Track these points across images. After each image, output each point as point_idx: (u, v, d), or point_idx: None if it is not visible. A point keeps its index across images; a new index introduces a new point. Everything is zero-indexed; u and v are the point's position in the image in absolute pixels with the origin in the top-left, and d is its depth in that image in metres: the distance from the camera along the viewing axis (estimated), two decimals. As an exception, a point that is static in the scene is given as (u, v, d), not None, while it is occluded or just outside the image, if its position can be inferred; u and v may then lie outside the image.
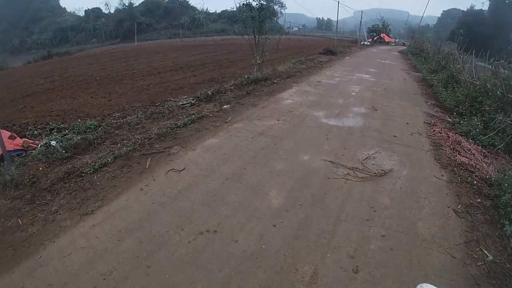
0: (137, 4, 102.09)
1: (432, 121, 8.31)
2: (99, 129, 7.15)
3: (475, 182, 5.11)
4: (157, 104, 9.59)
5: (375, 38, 66.55)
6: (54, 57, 51.77)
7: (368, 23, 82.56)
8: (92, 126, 7.31)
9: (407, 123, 8.05)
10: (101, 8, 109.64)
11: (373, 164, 5.51)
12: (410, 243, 3.67)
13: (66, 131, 7.31)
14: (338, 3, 35.11)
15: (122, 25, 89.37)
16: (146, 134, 6.67)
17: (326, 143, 6.43)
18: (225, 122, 7.60)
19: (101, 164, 5.30)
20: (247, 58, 18.79)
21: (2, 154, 5.21)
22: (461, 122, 8.20)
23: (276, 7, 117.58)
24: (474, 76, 10.71)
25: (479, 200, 4.69)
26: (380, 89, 12.31)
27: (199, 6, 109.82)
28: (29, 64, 45.21)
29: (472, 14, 61.29)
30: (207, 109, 8.60)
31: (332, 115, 8.37)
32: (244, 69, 15.89)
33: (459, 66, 12.76)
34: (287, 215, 4.05)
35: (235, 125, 7.35)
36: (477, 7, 64.53)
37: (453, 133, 7.40)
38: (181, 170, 5.14)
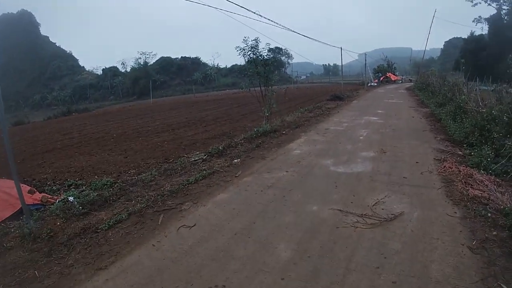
0: (152, 62, 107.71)
1: (442, 157, 8.27)
2: (115, 186, 7.41)
3: (489, 214, 5.00)
4: (171, 160, 9.82)
5: (381, 79, 67.46)
6: (74, 114, 54.15)
7: (373, 64, 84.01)
8: (108, 183, 7.58)
9: (417, 162, 8.04)
10: (117, 67, 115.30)
11: (382, 209, 5.49)
12: (423, 287, 3.60)
13: (84, 187, 7.63)
14: (341, 49, 36.11)
15: (138, 83, 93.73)
16: (159, 190, 6.88)
17: (334, 192, 6.45)
18: (235, 176, 7.74)
19: (115, 221, 5.50)
20: (258, 110, 18.93)
21: (21, 207, 5.50)
22: (472, 153, 8.14)
23: (283, 58, 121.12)
24: (481, 104, 10.76)
25: (495, 232, 4.57)
26: (388, 130, 12.44)
27: (210, 62, 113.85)
28: (49, 120, 47.92)
29: (473, 41, 61.61)
30: (218, 164, 8.79)
31: (341, 162, 8.43)
32: (255, 121, 16.25)
33: (464, 96, 12.83)
34: (295, 267, 4.03)
35: (245, 179, 7.48)
36: (477, 33, 64.69)
37: (464, 166, 7.32)
38: (192, 226, 5.22)
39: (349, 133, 12.29)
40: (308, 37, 29.81)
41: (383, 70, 76.83)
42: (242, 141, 11.38)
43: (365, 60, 56.32)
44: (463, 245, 4.33)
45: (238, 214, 5.62)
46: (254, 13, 16.35)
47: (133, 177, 8.13)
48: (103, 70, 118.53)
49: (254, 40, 13.38)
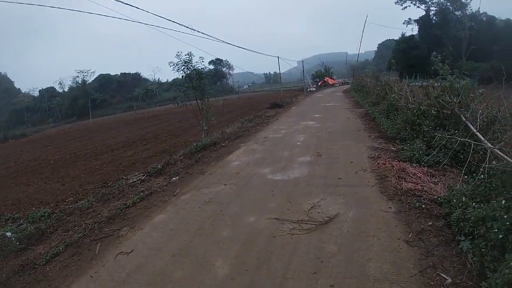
0: (90, 80, 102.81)
1: (376, 154, 8.54)
2: (52, 216, 7.08)
3: (423, 206, 5.16)
4: (109, 184, 9.48)
5: (319, 83, 69.20)
6: (10, 140, 52.87)
7: (311, 70, 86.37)
8: (46, 214, 7.23)
9: (351, 162, 8.22)
10: (55, 87, 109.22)
11: (318, 213, 5.49)
12: (361, 287, 3.58)
13: (21, 221, 7.19)
14: (278, 57, 36.80)
15: (77, 103, 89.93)
16: (96, 218, 6.58)
17: (271, 200, 6.38)
18: (173, 195, 7.49)
19: (53, 254, 5.25)
20: (198, 124, 18.85)
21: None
22: (404, 148, 8.44)
23: (224, 69, 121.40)
24: (410, 100, 11.17)
25: (430, 223, 4.72)
26: (324, 134, 12.68)
27: (151, 77, 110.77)
28: None
29: (404, 41, 64.54)
30: (157, 183, 8.51)
31: (278, 170, 8.39)
32: (196, 135, 16.02)
33: (394, 95, 13.32)
34: (232, 283, 3.93)
35: (183, 197, 7.24)
36: (407, 34, 68.34)
37: (397, 161, 7.58)
38: (130, 252, 4.98)
39: (286, 140, 12.35)
40: (244, 48, 30.57)
41: (321, 75, 79.21)
42: (182, 157, 11.09)
43: (303, 66, 57.81)
44: (399, 239, 4.43)
45: (175, 234, 5.41)
46: (187, 27, 16.38)
47: (71, 206, 7.74)
48: (39, 91, 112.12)
49: (187, 54, 13.14)
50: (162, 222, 6.02)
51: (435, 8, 64.80)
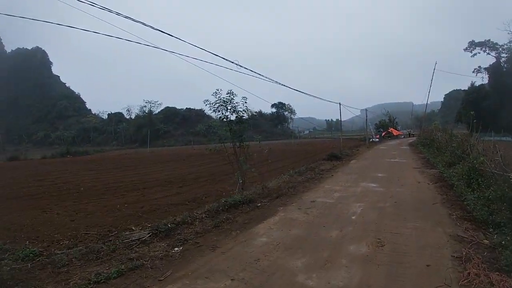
0: (156, 111, 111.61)
1: (464, 252, 5.74)
2: (37, 260, 6.26)
3: None
4: (114, 232, 8.15)
5: (383, 134, 66.24)
6: (68, 156, 57.54)
7: (374, 119, 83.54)
8: (31, 255, 6.43)
9: (428, 266, 5.38)
10: (123, 113, 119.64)
11: None
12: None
13: (6, 255, 6.48)
14: (340, 104, 34.76)
15: (141, 130, 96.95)
16: (60, 285, 5.25)
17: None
18: (159, 280, 5.35)
19: None
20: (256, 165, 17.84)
21: None
22: (503, 242, 5.73)
23: (286, 113, 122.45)
24: (503, 165, 8.51)
25: None
26: (388, 204, 9.76)
27: (214, 115, 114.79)
28: (44, 159, 51.08)
29: (474, 91, 61.63)
30: (154, 251, 6.66)
31: (316, 266, 5.63)
32: (234, 185, 13.98)
33: (482, 158, 10.47)
34: None
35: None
36: (477, 83, 65.01)
37: (498, 274, 4.83)
38: None
39: (339, 209, 9.57)
40: (305, 93, 28.50)
41: (385, 125, 75.91)
42: (203, 215, 8.97)
43: (366, 115, 54.70)
44: None
45: None
46: (247, 69, 14.94)
47: (58, 252, 6.69)
48: (108, 115, 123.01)
49: (229, 93, 11.26)
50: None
51: (506, 55, 61.11)
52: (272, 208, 9.93)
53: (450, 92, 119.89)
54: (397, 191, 11.58)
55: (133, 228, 8.29)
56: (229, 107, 11.30)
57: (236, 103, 11.25)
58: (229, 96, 11.20)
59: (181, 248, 6.80)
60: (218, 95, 11.10)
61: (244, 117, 11.60)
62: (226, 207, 9.77)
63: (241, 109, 11.42)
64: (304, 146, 54.44)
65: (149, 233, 7.53)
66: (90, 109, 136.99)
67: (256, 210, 9.83)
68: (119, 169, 27.24)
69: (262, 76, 17.02)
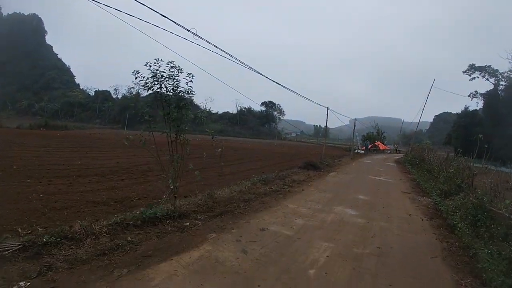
0: (144, 94, 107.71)
1: None
2: None
3: None
4: None
5: (369, 147, 64.06)
6: (41, 129, 55.05)
7: (363, 130, 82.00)
8: None
9: None
10: (110, 91, 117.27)
11: None
12: None
13: None
14: (328, 108, 31.81)
15: (126, 112, 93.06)
16: None
17: None
18: None
19: None
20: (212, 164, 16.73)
21: None
22: None
23: (275, 113, 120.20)
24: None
25: None
26: (368, 251, 6.56)
27: (202, 105, 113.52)
28: (17, 129, 49.59)
29: (467, 116, 61.12)
30: None
31: None
32: (190, 185, 11.48)
33: (503, 204, 7.74)
34: None
35: None
36: (471, 108, 64.70)
37: None
38: None
39: (294, 249, 6.31)
40: (293, 91, 25.36)
41: (372, 137, 73.93)
42: (104, 229, 6.13)
43: (354, 125, 51.99)
44: None
45: None
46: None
47: None
48: (95, 91, 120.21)
49: (173, 67, 7.86)
50: None
51: (505, 83, 60.80)
52: (201, 234, 6.76)
53: (440, 114, 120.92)
54: (382, 227, 8.46)
55: (19, 230, 6.17)
56: (169, 86, 7.97)
57: (175, 78, 7.88)
58: (172, 71, 7.86)
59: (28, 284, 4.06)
60: (153, 67, 7.73)
61: (186, 99, 8.22)
62: (139, 222, 6.78)
63: (183, 90, 8.05)
64: (285, 148, 52.32)
65: (19, 245, 5.01)
66: (78, 84, 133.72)
67: (178, 233, 6.71)
68: (73, 150, 24.85)
69: (247, 65, 15.05)
